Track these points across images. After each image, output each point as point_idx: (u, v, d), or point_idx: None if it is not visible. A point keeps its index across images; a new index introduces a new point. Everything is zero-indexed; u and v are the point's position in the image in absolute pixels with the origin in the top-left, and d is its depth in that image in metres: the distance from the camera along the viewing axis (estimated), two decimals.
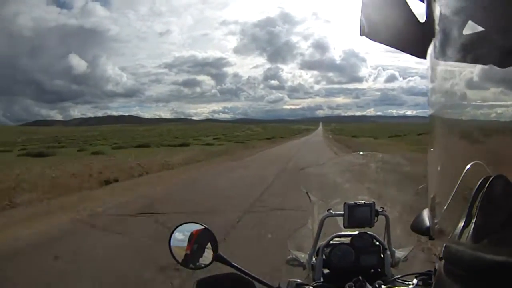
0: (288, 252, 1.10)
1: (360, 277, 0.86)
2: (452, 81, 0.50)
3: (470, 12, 0.47)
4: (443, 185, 0.54)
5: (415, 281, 0.83)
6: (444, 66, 0.49)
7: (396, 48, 0.57)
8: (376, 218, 0.97)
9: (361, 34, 0.56)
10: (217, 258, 0.83)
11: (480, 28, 0.46)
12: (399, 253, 1.03)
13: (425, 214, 0.58)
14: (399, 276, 0.90)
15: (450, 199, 0.50)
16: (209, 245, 0.84)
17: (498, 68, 0.47)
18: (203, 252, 0.84)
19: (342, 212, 0.97)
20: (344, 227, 0.98)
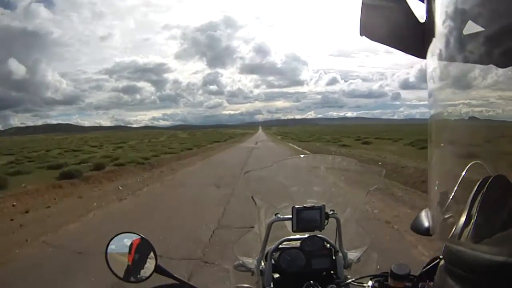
0: (235, 258, 1.06)
1: (311, 281, 0.85)
2: (452, 81, 0.50)
3: (470, 12, 0.47)
4: (443, 185, 0.54)
5: (370, 283, 0.82)
6: (444, 66, 0.49)
7: (396, 48, 0.57)
8: (326, 221, 0.94)
9: (361, 34, 0.56)
10: (157, 269, 0.80)
11: (480, 28, 0.46)
12: (352, 255, 1.01)
13: (425, 214, 0.58)
14: (354, 278, 0.88)
15: (450, 199, 0.50)
16: (148, 256, 0.80)
17: (498, 68, 0.47)
18: (144, 263, 0.80)
19: (290, 216, 0.93)
20: (293, 231, 0.95)
